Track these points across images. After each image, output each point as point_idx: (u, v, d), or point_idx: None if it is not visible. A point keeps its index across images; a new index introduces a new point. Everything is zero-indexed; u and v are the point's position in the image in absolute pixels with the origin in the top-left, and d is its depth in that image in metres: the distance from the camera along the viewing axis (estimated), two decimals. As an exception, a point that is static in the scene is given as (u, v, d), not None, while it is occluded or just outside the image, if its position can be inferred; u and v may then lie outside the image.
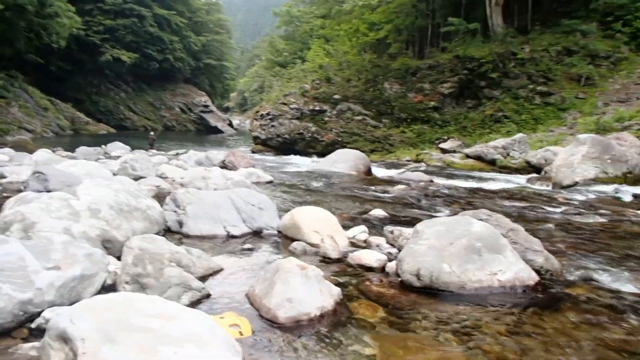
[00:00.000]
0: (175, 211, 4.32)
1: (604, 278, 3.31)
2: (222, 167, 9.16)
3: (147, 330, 1.71)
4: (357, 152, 12.57)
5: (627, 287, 3.15)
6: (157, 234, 3.66)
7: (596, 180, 9.00)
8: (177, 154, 15.68)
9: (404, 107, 25.09)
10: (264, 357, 2.06)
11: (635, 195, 7.75)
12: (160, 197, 5.33)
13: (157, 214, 4.04)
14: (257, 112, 28.17)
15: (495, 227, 3.43)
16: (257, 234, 4.29)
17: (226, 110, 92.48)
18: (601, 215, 5.95)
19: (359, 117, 25.87)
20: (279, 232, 4.34)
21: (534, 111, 21.26)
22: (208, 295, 2.69)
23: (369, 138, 24.97)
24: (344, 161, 11.31)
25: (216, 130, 53.22)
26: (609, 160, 9.44)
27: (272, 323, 2.37)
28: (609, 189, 8.53)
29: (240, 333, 2.22)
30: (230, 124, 59.62)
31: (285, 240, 4.09)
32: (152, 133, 25.87)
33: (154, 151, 17.94)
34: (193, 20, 55.00)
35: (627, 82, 19.99)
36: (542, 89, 21.76)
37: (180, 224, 4.18)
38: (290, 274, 2.57)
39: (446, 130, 23.43)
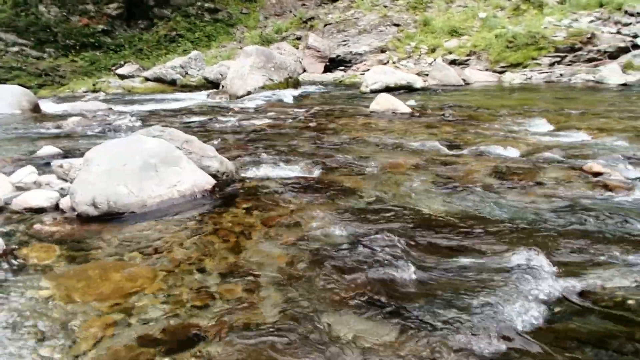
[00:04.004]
0: None
1: (270, 170, 3.78)
2: None
3: None
4: (18, 88, 10.77)
5: (286, 173, 3.68)
6: None
7: (265, 88, 9.94)
8: None
9: (69, 33, 22.46)
10: None
11: (294, 96, 8.90)
12: None
13: None
14: None
15: (170, 142, 3.47)
16: None
17: None
18: (269, 117, 6.67)
19: (15, 48, 22.12)
20: None
21: (206, 28, 21.79)
22: None
23: (33, 72, 21.77)
24: (1, 100, 9.61)
25: None
26: (272, 69, 10.47)
27: None
28: (275, 94, 9.54)
29: None
30: None
31: None
32: None
33: None
34: None
35: (280, -4, 22.08)
36: (209, 6, 22.31)
37: None
38: None
39: (122, 55, 22.12)
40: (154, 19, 23.14)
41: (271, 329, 1.73)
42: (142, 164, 3.03)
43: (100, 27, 22.62)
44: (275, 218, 2.77)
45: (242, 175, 3.70)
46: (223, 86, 12.21)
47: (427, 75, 12.04)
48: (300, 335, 1.69)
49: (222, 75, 13.14)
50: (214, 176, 3.42)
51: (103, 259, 2.33)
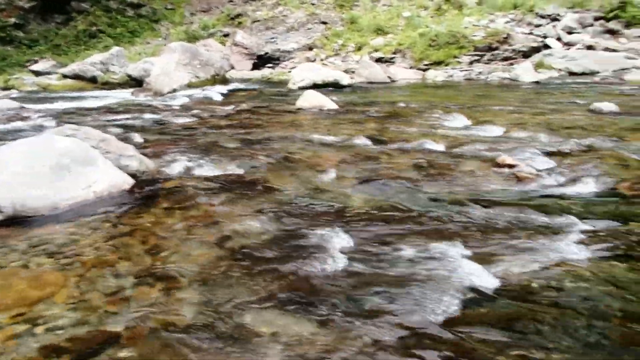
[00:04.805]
0: None
1: (193, 168, 3.68)
2: None
3: None
4: None
5: (210, 171, 3.60)
6: None
7: (191, 85, 9.71)
8: None
9: (-24, 26, 20.87)
10: None
11: (221, 94, 8.76)
12: None
13: None
14: None
15: (85, 140, 3.31)
16: None
17: None
18: (194, 115, 6.51)
19: None
20: None
21: (129, 24, 20.97)
22: None
23: None
24: None
25: None
26: (199, 66, 10.25)
27: None
28: (201, 91, 9.33)
29: None
30: None
31: None
32: None
33: None
34: None
35: (207, -8, 21.60)
36: (132, 1, 21.46)
37: None
38: None
39: (36, 50, 20.81)
40: (72, 13, 21.92)
41: (189, 330, 1.69)
42: (53, 164, 2.86)
43: (12, 20, 21.15)
44: (196, 217, 2.71)
45: (164, 174, 3.59)
46: (147, 83, 11.79)
47: (354, 72, 12.22)
48: (219, 335, 1.66)
49: (146, 72, 12.65)
50: (133, 175, 3.29)
51: (6, 266, 2.17)
